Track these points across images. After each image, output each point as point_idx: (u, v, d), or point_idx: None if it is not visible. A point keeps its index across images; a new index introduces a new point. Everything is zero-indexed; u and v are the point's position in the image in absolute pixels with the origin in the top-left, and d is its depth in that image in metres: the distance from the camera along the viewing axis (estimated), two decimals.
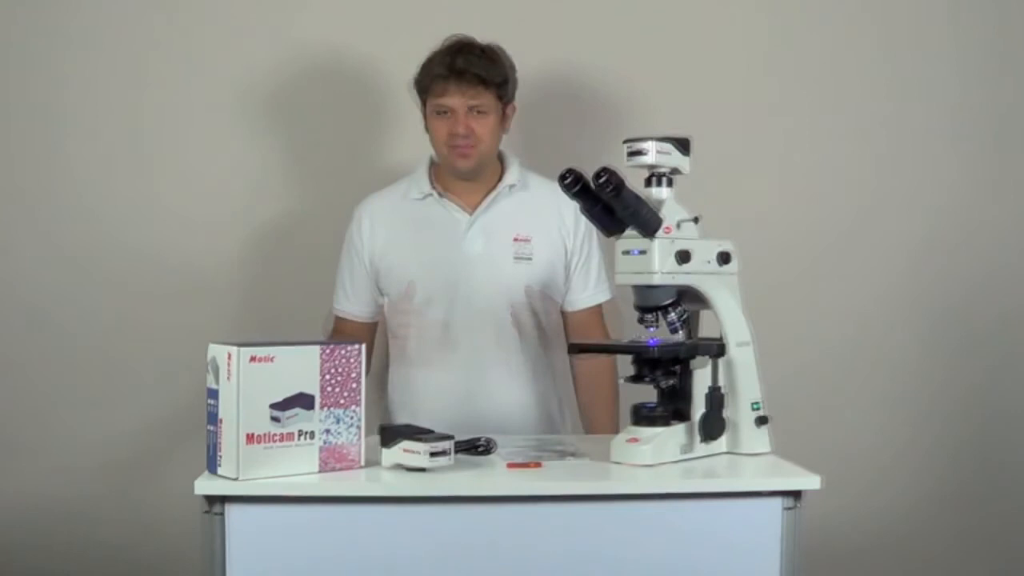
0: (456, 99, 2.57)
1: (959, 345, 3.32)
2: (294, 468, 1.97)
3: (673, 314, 2.20)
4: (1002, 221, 3.33)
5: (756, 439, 2.20)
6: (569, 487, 2.02)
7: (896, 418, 3.31)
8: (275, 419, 1.96)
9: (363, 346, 2.07)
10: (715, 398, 2.16)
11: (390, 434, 2.05)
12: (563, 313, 2.74)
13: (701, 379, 2.19)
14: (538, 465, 2.10)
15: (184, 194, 3.13)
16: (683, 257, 2.14)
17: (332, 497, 1.95)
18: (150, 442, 3.10)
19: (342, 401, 2.03)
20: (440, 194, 2.66)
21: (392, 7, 3.16)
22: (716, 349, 2.19)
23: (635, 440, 2.11)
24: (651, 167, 2.17)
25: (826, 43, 3.27)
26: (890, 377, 3.31)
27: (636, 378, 2.20)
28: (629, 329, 2.31)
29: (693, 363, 2.20)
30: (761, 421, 2.20)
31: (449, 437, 2.02)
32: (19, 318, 3.11)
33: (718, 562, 2.00)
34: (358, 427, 2.05)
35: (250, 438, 1.93)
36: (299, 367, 1.99)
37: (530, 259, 2.63)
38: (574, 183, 2.13)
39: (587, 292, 2.72)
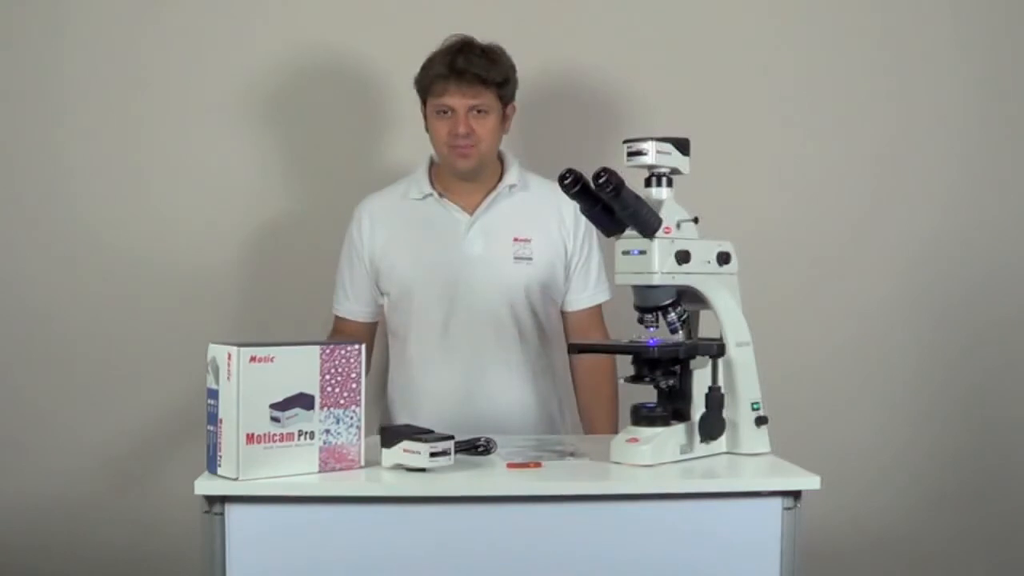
0: (457, 99, 2.57)
1: (959, 346, 3.32)
2: (294, 468, 1.97)
3: (673, 314, 2.20)
4: (1003, 222, 3.33)
5: (756, 439, 2.20)
6: (569, 487, 2.02)
7: (896, 418, 3.31)
8: (275, 419, 1.96)
9: (363, 346, 2.07)
10: (715, 398, 2.16)
11: (390, 434, 2.05)
12: (563, 313, 2.74)
13: (701, 379, 2.19)
14: (538, 465, 2.10)
15: (184, 194, 3.13)
16: (683, 257, 2.14)
17: (332, 497, 1.95)
18: (150, 442, 3.10)
19: (342, 401, 2.03)
20: (440, 194, 2.66)
21: (392, 7, 3.16)
22: (716, 349, 2.19)
23: (635, 440, 2.11)
24: (651, 167, 2.17)
25: (827, 43, 3.27)
26: (890, 377, 3.31)
27: (636, 378, 2.20)
28: (629, 329, 2.31)
29: (693, 363, 2.20)
30: (761, 421, 2.21)
31: (449, 437, 2.02)
32: (19, 318, 3.11)
33: (718, 562, 2.00)
34: (358, 427, 2.05)
35: (250, 438, 1.93)
36: (299, 367, 1.99)
37: (530, 259, 2.63)
38: (574, 183, 2.13)
39: (587, 292, 2.72)
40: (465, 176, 2.64)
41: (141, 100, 3.12)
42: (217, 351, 1.96)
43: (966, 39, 3.29)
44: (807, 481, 2.00)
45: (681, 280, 2.17)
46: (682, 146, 2.18)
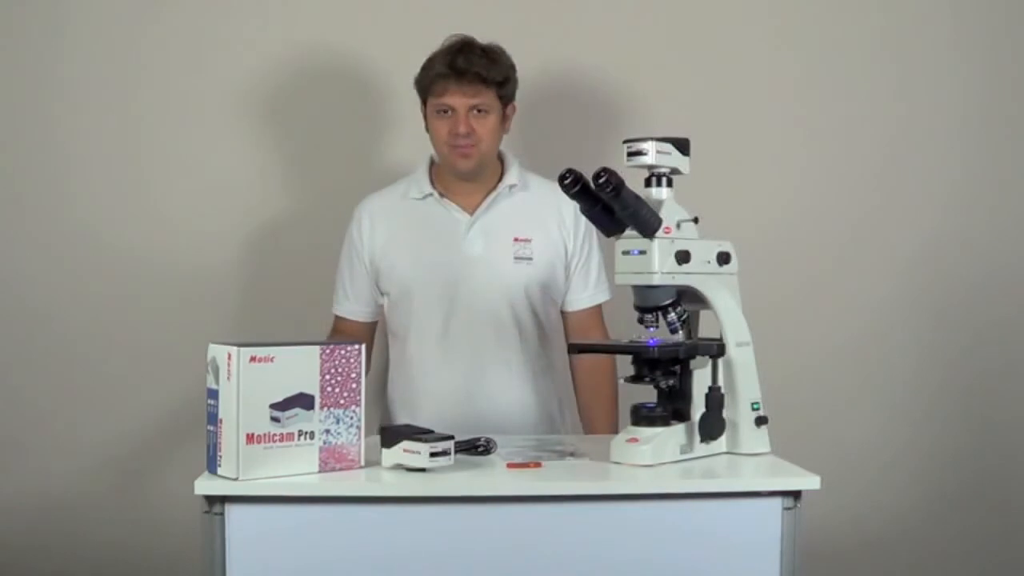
0: (457, 98, 2.57)
1: (959, 346, 3.32)
2: (294, 468, 1.97)
3: (673, 314, 2.20)
4: (1003, 222, 3.33)
5: (755, 439, 2.20)
6: (569, 487, 2.02)
7: (896, 418, 3.31)
8: (275, 419, 1.96)
9: (363, 346, 2.07)
10: (715, 398, 2.16)
11: (390, 434, 2.05)
12: (563, 313, 2.74)
13: (701, 379, 2.19)
14: (538, 465, 2.10)
15: (184, 194, 3.13)
16: (683, 257, 2.14)
17: (332, 497, 1.95)
18: (150, 442, 3.10)
19: (342, 401, 2.03)
20: (440, 194, 2.66)
21: (392, 7, 3.16)
22: (716, 349, 2.19)
23: (635, 440, 2.11)
24: (651, 167, 2.17)
25: (827, 43, 3.27)
26: (890, 377, 3.31)
27: (636, 378, 2.20)
28: (629, 329, 2.31)
29: (693, 363, 2.20)
30: (760, 421, 2.21)
31: (449, 437, 2.02)
32: (19, 318, 3.11)
33: (718, 562, 2.00)
34: (358, 427, 2.05)
35: (250, 438, 1.93)
36: (299, 367, 1.99)
37: (530, 259, 2.63)
38: (574, 183, 2.13)
39: (587, 292, 2.72)
40: (465, 176, 2.64)
41: (141, 100, 3.12)
42: (217, 351, 1.96)
43: (966, 39, 3.29)
44: (807, 481, 2.00)
45: (681, 280, 2.17)
46: (682, 146, 2.18)
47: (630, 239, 2.15)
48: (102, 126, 3.12)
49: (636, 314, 2.22)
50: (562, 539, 1.98)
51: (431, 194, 2.66)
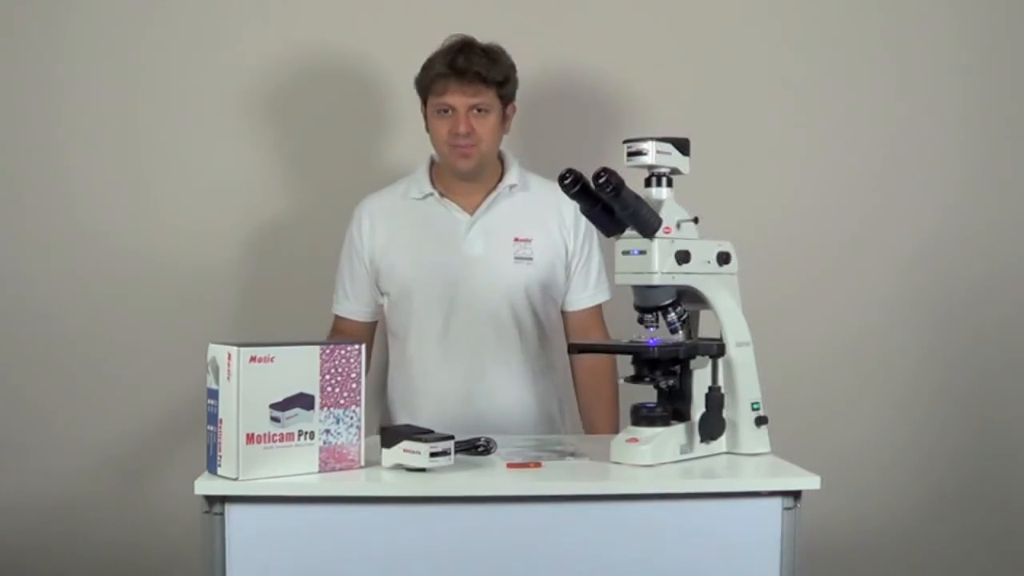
0: (457, 97, 2.57)
1: (960, 346, 3.32)
2: (294, 468, 1.98)
3: (673, 314, 2.20)
4: (1003, 222, 3.33)
5: (755, 439, 2.20)
6: (569, 487, 2.02)
7: (896, 418, 3.31)
8: (275, 419, 1.96)
9: (363, 346, 2.07)
10: (715, 398, 2.16)
11: (390, 434, 2.05)
12: (563, 313, 2.74)
13: (701, 379, 2.19)
14: (538, 465, 2.10)
15: (184, 194, 3.13)
16: (683, 257, 2.14)
17: (332, 497, 1.95)
18: (150, 442, 3.10)
19: (342, 401, 2.03)
20: (440, 194, 2.66)
21: (392, 7, 3.16)
22: (716, 349, 2.19)
23: (635, 440, 2.11)
24: (651, 167, 2.17)
25: (827, 43, 3.27)
26: (890, 377, 3.31)
27: (636, 378, 2.20)
28: (629, 329, 2.31)
29: (693, 363, 2.20)
30: (760, 421, 2.21)
31: (449, 437, 2.02)
32: (19, 318, 3.10)
33: (718, 562, 2.00)
34: (358, 427, 2.05)
35: (250, 438, 1.93)
36: (299, 367, 1.99)
37: (530, 259, 2.63)
38: (574, 183, 2.13)
39: (587, 292, 2.72)
40: (465, 176, 2.64)
41: (141, 100, 3.12)
42: (217, 351, 1.96)
43: (966, 39, 3.29)
44: (807, 481, 2.01)
45: (681, 280, 2.17)
46: (682, 146, 2.18)
47: (630, 239, 2.15)
48: (102, 126, 3.12)
49: (636, 314, 2.22)
50: (562, 539, 1.98)
51: (431, 194, 2.66)
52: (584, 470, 2.11)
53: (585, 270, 2.70)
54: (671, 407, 2.18)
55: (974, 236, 3.31)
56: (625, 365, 2.26)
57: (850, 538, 3.20)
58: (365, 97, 3.16)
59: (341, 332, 2.73)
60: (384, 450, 2.04)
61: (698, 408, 2.18)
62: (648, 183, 2.19)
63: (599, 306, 2.74)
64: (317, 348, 2.01)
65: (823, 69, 3.27)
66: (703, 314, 2.29)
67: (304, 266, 3.10)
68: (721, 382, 2.18)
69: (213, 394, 1.97)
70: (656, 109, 3.15)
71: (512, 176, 2.67)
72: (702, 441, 2.16)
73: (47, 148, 3.11)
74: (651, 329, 2.20)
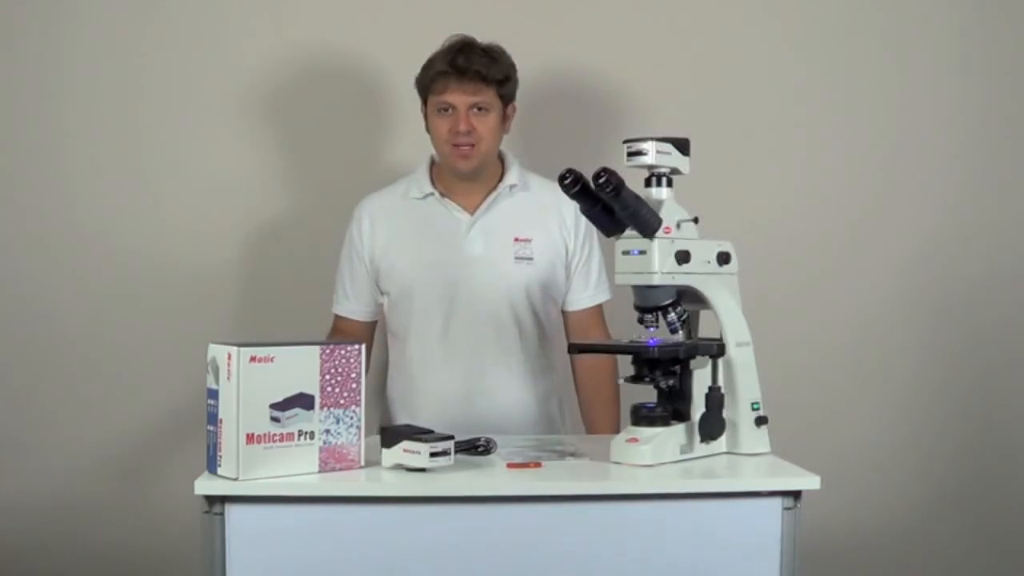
0: (458, 96, 2.57)
1: (959, 346, 3.32)
2: (294, 468, 1.97)
3: (673, 314, 2.20)
4: (1003, 222, 3.33)
5: (755, 439, 2.20)
6: (569, 487, 2.02)
7: (896, 418, 3.31)
8: (275, 419, 1.96)
9: (363, 346, 2.07)
10: (715, 398, 2.16)
11: (390, 434, 2.05)
12: (563, 313, 2.74)
13: (701, 379, 2.19)
14: (538, 465, 2.10)
15: (184, 194, 3.13)
16: (683, 257, 2.14)
17: (332, 497, 1.95)
18: (150, 442, 3.10)
19: (342, 401, 2.03)
20: (441, 194, 2.66)
21: (392, 7, 3.16)
22: (716, 349, 2.19)
23: (635, 440, 2.11)
24: (651, 167, 2.17)
25: (827, 43, 3.27)
26: (890, 377, 3.31)
27: (636, 378, 2.20)
28: (629, 329, 2.31)
29: (693, 363, 2.20)
30: (760, 421, 2.21)
31: (449, 437, 2.02)
32: (19, 318, 3.10)
33: (718, 562, 2.00)
34: (358, 427, 2.05)
35: (250, 438, 1.93)
36: (299, 367, 1.99)
37: (531, 259, 2.63)
38: (574, 183, 2.13)
39: (587, 292, 2.72)
40: (466, 176, 2.64)
41: (141, 100, 3.12)
42: (217, 351, 1.96)
43: (967, 39, 3.29)
44: (807, 481, 2.01)
45: (681, 280, 2.17)
46: (682, 146, 2.18)
47: (630, 239, 2.15)
48: (102, 126, 3.12)
49: (636, 314, 2.22)
50: (562, 539, 1.98)
51: (431, 194, 2.66)
52: (584, 470, 2.11)
53: (585, 270, 2.70)
54: (671, 407, 2.18)
55: (974, 236, 3.31)
56: (625, 365, 2.26)
57: (850, 538, 3.20)
58: (365, 97, 3.16)
59: (341, 332, 2.73)
60: (384, 450, 2.04)
61: (698, 408, 2.18)
62: (648, 183, 2.19)
63: (599, 306, 2.74)
64: (317, 348, 2.01)
65: (823, 69, 3.27)
66: (703, 314, 2.29)
67: (304, 266, 3.10)
68: (721, 382, 2.18)
69: (213, 394, 1.97)
70: (656, 109, 3.15)
71: (512, 176, 2.67)
72: (702, 441, 2.16)
73: (47, 148, 3.11)
74: (651, 329, 2.20)
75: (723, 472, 2.14)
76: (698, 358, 2.20)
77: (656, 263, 2.12)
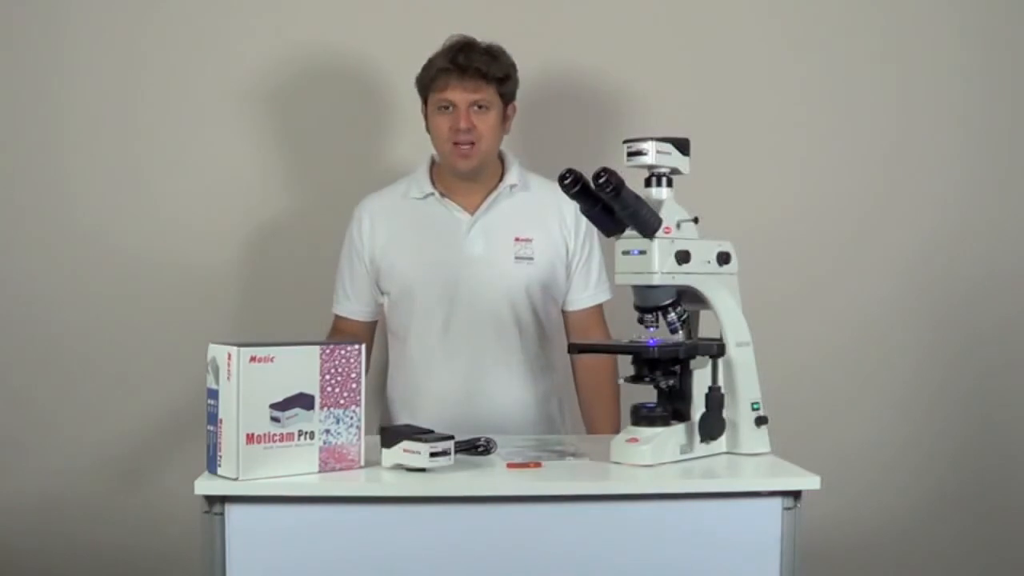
0: (458, 94, 2.57)
1: (959, 346, 3.32)
2: (294, 468, 1.97)
3: (673, 314, 2.20)
4: (1003, 222, 3.33)
5: (755, 439, 2.20)
6: (569, 487, 2.02)
7: (896, 418, 3.31)
8: (275, 419, 1.96)
9: (363, 346, 2.07)
10: (715, 398, 2.16)
11: (390, 434, 2.05)
12: (563, 313, 2.74)
13: (701, 379, 2.19)
14: (538, 465, 2.10)
15: (184, 194, 3.13)
16: (683, 257, 2.14)
17: (332, 497, 1.95)
18: (150, 442, 3.10)
19: (342, 401, 2.03)
20: (441, 194, 2.66)
21: (392, 7, 3.16)
22: (716, 349, 2.19)
23: (635, 440, 2.11)
24: (651, 167, 2.17)
25: (827, 43, 3.27)
26: (890, 377, 3.31)
27: (636, 378, 2.20)
28: (629, 329, 2.31)
29: (693, 363, 2.20)
30: (760, 421, 2.21)
31: (449, 437, 2.02)
32: (20, 319, 3.10)
33: (718, 562, 2.00)
34: (358, 427, 2.05)
35: (250, 438, 1.93)
36: (299, 367, 1.99)
37: (531, 259, 2.63)
38: (574, 183, 2.13)
39: (588, 292, 2.72)
40: (466, 176, 2.64)
41: (141, 100, 3.12)
42: (217, 351, 1.96)
43: (967, 39, 3.29)
44: (807, 481, 2.01)
45: (681, 280, 2.17)
46: (682, 146, 2.18)
47: (630, 239, 2.15)
48: (102, 126, 3.12)
49: (636, 314, 2.22)
50: (562, 539, 1.98)
51: (432, 194, 2.66)
52: (584, 470, 2.11)
53: (585, 270, 2.70)
54: (671, 407, 2.18)
55: (974, 236, 3.31)
56: (625, 365, 2.26)
57: (850, 538, 3.20)
58: (365, 97, 3.16)
59: (341, 332, 2.73)
60: (384, 450, 2.04)
61: (698, 408, 2.18)
62: (648, 183, 2.19)
63: (599, 306, 2.74)
64: (317, 348, 2.01)
65: (823, 69, 3.27)
66: (703, 314, 2.29)
67: (304, 266, 3.10)
68: (721, 382, 2.18)
69: (213, 394, 1.97)
70: (656, 109, 3.15)
71: (512, 176, 2.67)
72: (702, 441, 2.16)
73: (47, 148, 3.11)
74: (651, 329, 2.20)
75: (723, 472, 2.14)
76: (698, 358, 2.20)
77: (656, 263, 2.12)
